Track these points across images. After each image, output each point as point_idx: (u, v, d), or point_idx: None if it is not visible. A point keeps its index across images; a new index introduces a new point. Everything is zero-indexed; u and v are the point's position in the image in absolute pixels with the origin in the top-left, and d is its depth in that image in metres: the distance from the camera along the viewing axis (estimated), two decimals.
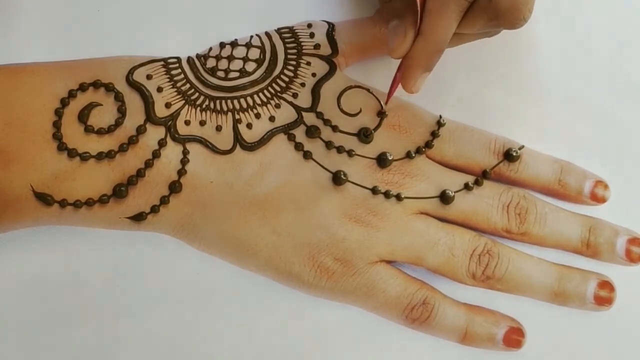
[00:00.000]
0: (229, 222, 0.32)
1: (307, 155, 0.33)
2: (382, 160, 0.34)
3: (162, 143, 0.32)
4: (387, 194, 0.33)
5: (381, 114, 0.35)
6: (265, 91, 0.34)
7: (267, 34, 0.35)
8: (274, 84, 0.34)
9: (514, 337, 0.34)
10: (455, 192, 0.34)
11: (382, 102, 0.34)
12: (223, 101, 0.34)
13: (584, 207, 0.36)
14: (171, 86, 0.33)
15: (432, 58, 0.31)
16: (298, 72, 0.35)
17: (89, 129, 0.32)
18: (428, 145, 0.35)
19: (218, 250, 0.33)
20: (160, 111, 0.33)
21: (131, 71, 0.33)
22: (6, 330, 0.33)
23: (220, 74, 0.34)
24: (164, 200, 0.32)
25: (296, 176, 0.33)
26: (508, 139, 0.35)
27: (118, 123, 0.32)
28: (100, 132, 0.32)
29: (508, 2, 0.29)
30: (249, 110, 0.34)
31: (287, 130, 0.34)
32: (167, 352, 0.34)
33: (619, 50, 0.38)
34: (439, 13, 0.29)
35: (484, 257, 0.33)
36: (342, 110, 0.34)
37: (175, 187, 0.32)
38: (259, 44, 0.35)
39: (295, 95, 0.34)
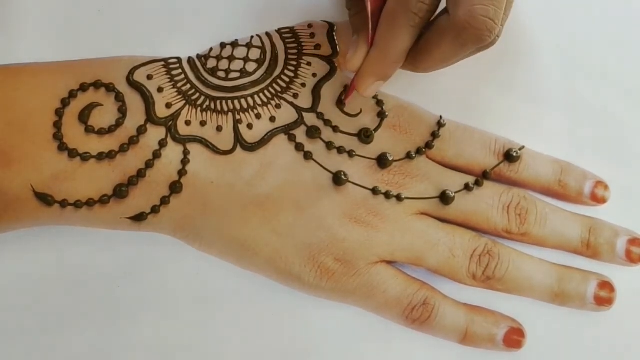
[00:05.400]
0: (230, 222, 0.32)
1: (308, 156, 0.33)
2: (382, 161, 0.34)
3: (162, 143, 0.32)
4: (387, 195, 0.33)
5: (381, 115, 0.35)
6: (265, 91, 0.34)
7: (267, 34, 0.35)
8: (274, 85, 0.34)
9: (514, 337, 0.34)
10: (455, 192, 0.34)
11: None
12: (224, 101, 0.34)
13: (584, 208, 0.36)
14: (172, 86, 0.33)
15: (385, 68, 0.31)
16: (299, 72, 0.35)
17: (89, 129, 0.32)
18: (428, 145, 0.35)
19: (218, 251, 0.33)
20: (161, 111, 0.33)
21: (132, 71, 0.33)
22: (6, 330, 0.33)
23: (221, 74, 0.34)
24: (165, 201, 0.32)
25: (297, 176, 0.33)
26: (508, 139, 0.35)
27: (119, 123, 0.32)
28: (100, 132, 0.32)
29: (465, 15, 0.28)
30: (250, 110, 0.34)
31: (287, 130, 0.34)
32: (166, 352, 0.34)
33: (619, 50, 0.38)
34: (389, 26, 0.30)
35: (485, 257, 0.33)
36: (342, 111, 0.34)
37: (175, 188, 0.32)
38: (260, 44, 0.35)
39: (295, 96, 0.34)
